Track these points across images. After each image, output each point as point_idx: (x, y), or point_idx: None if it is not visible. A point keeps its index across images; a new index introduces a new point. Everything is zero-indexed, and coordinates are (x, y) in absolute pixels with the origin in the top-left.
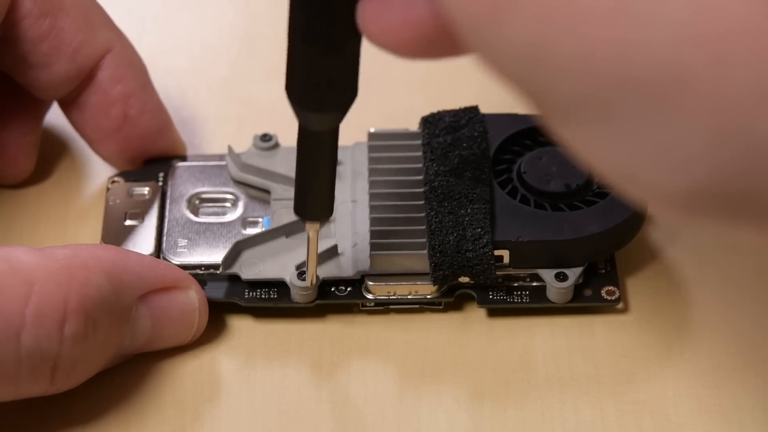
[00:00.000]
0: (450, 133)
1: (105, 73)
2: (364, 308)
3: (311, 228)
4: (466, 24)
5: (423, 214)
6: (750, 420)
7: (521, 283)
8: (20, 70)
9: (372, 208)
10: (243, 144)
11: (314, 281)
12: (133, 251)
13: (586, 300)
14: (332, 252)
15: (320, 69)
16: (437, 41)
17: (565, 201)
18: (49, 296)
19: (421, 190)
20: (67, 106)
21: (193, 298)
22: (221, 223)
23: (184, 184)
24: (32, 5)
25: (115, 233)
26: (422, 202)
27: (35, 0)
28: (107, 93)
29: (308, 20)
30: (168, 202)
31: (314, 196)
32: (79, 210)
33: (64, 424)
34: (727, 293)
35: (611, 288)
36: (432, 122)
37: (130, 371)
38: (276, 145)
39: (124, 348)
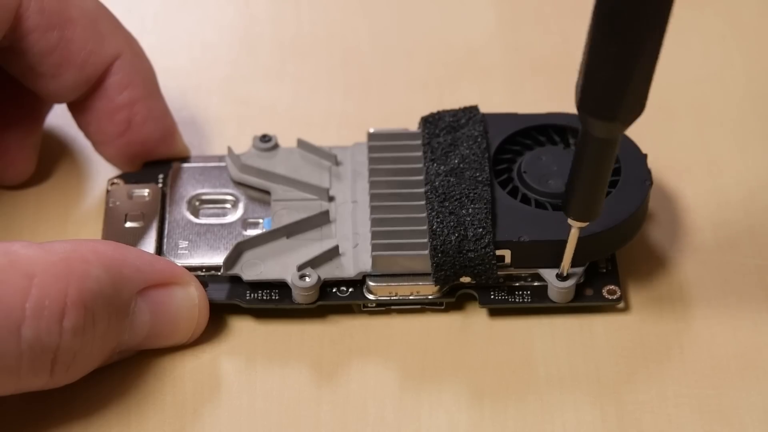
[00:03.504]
0: (450, 132)
1: (112, 80)
2: (365, 309)
3: (575, 225)
4: None
5: (424, 215)
6: (750, 420)
7: (522, 282)
8: (28, 78)
9: (373, 209)
10: (243, 145)
11: (566, 272)
12: (132, 247)
13: (588, 299)
14: (333, 252)
15: (617, 80)
16: None
17: None
18: (49, 289)
19: (422, 190)
20: (73, 107)
21: (192, 295)
22: (222, 225)
23: (184, 185)
24: (39, 18)
25: (116, 235)
26: (423, 203)
27: (42, 13)
28: (113, 99)
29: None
30: (168, 203)
31: (587, 197)
32: (79, 211)
33: (64, 425)
34: (727, 293)
35: (612, 287)
36: (432, 122)
37: (130, 371)
38: (276, 146)
39: (124, 343)
